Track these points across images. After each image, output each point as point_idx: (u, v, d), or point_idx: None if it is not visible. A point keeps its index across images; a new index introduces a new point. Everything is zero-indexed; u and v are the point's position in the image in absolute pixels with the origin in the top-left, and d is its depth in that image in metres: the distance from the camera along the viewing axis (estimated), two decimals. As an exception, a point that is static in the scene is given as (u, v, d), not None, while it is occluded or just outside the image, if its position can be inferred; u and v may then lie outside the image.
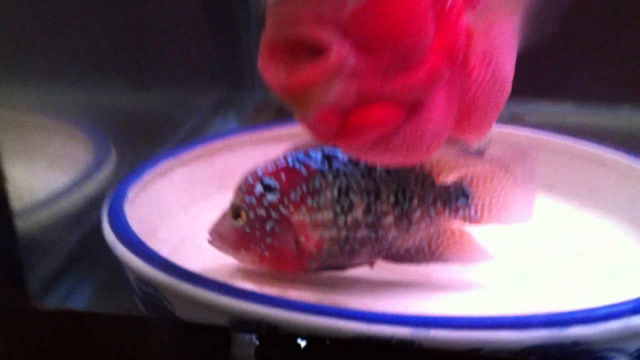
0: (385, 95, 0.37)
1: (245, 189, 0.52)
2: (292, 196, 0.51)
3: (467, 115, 0.42)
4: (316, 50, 0.35)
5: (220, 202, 0.62)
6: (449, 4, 0.38)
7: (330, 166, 0.51)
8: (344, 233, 0.52)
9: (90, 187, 0.56)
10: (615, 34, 0.84)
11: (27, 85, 0.54)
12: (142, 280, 0.48)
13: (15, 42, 0.52)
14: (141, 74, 0.72)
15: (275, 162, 0.52)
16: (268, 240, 0.51)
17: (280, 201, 0.51)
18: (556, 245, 0.59)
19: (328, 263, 0.53)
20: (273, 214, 0.51)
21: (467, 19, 0.39)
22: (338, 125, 0.37)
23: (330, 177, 0.51)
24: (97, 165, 0.58)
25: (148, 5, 0.73)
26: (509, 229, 0.55)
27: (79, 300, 0.51)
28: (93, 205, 0.55)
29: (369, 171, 0.52)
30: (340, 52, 0.35)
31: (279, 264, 0.52)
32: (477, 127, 0.43)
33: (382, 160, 0.46)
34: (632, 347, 0.44)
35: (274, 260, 0.52)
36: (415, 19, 0.36)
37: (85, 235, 0.56)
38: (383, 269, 0.54)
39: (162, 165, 0.62)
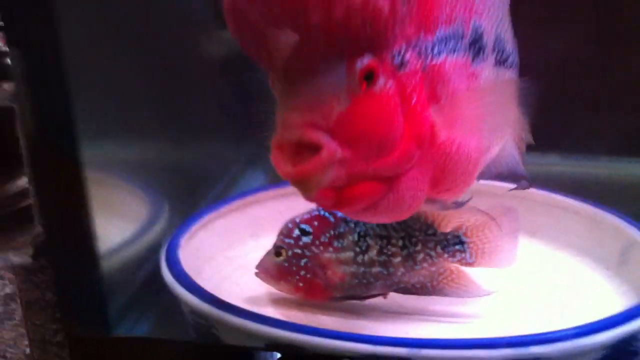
0: (368, 175, 0.48)
1: (285, 232, 0.65)
2: (322, 239, 0.64)
3: (439, 181, 0.52)
4: (313, 147, 0.46)
5: (253, 247, 0.75)
6: (413, 102, 0.49)
7: None
8: (362, 269, 0.64)
9: (150, 237, 0.69)
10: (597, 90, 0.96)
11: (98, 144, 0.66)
12: (196, 312, 0.60)
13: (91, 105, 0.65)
14: (184, 135, 0.85)
15: (309, 212, 0.65)
16: (302, 273, 0.64)
17: (313, 242, 0.64)
18: (537, 280, 0.71)
19: (349, 293, 0.65)
20: (307, 252, 0.64)
21: (432, 110, 0.50)
22: (335, 199, 0.48)
23: (352, 224, 0.64)
24: (155, 218, 0.71)
25: (189, 73, 0.86)
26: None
27: (142, 331, 0.63)
28: (151, 251, 0.68)
29: None
30: (330, 149, 0.46)
31: (309, 294, 0.65)
32: (450, 190, 0.54)
33: (373, 220, 0.59)
34: (581, 362, 0.55)
35: (306, 290, 0.65)
36: (386, 119, 0.47)
37: (146, 277, 0.69)
38: (392, 301, 0.66)
39: (205, 218, 0.75)
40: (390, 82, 0.48)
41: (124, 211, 0.67)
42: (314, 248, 0.64)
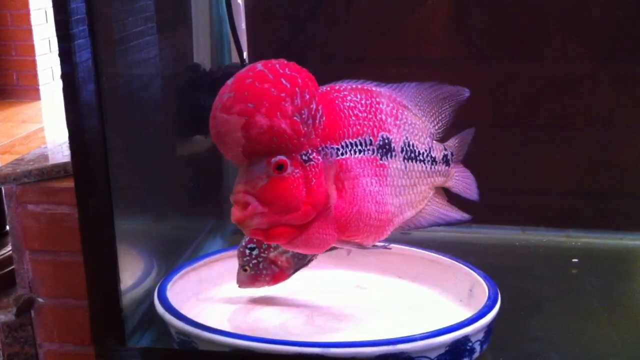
0: (282, 224, 0.75)
1: (242, 255, 0.97)
2: (264, 246, 0.96)
3: (345, 230, 0.79)
4: (246, 204, 0.73)
5: (216, 292, 1.04)
6: (313, 183, 0.75)
7: None
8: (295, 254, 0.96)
9: (147, 283, 0.98)
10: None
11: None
12: (180, 332, 0.89)
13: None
14: (167, 213, 1.14)
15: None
16: (265, 272, 0.96)
17: (260, 252, 0.96)
18: (415, 309, 1.01)
19: (297, 267, 0.97)
20: (260, 259, 0.96)
21: (332, 187, 0.76)
22: (263, 236, 0.75)
23: None
24: (148, 272, 1.00)
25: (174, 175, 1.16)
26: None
27: (146, 343, 0.92)
28: (148, 293, 0.97)
29: None
30: (254, 206, 0.73)
31: (278, 279, 0.97)
32: (358, 236, 0.81)
33: (298, 251, 0.87)
34: (432, 354, 0.85)
35: (275, 279, 0.97)
36: (290, 191, 0.74)
37: (145, 309, 0.97)
38: (314, 323, 0.96)
39: (183, 271, 1.03)
40: (297, 171, 0.74)
41: (131, 266, 0.97)
42: (262, 254, 0.95)
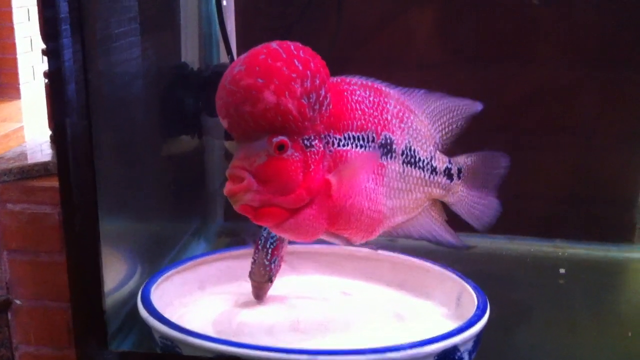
0: (274, 204, 0.75)
1: (267, 272, 0.97)
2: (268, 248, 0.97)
3: (335, 222, 0.79)
4: (241, 179, 0.74)
5: (199, 295, 1.03)
6: (311, 169, 0.75)
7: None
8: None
9: (130, 285, 0.96)
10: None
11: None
12: (164, 337, 0.87)
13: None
14: (150, 217, 1.12)
15: (259, 250, 0.98)
16: (278, 268, 0.98)
17: (279, 260, 0.97)
18: (401, 316, 0.99)
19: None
20: (276, 258, 0.97)
21: (328, 174, 0.76)
22: (253, 213, 0.75)
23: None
24: (132, 274, 0.98)
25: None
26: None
27: (127, 347, 0.90)
28: (131, 295, 0.95)
29: None
30: (248, 181, 0.73)
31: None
32: (347, 231, 0.81)
33: (288, 236, 0.83)
34: (421, 364, 0.84)
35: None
36: (286, 173, 0.74)
37: (127, 312, 0.95)
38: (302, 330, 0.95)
39: (167, 274, 1.01)
40: (297, 154, 0.75)
41: (114, 267, 0.94)
42: (275, 254, 0.97)
